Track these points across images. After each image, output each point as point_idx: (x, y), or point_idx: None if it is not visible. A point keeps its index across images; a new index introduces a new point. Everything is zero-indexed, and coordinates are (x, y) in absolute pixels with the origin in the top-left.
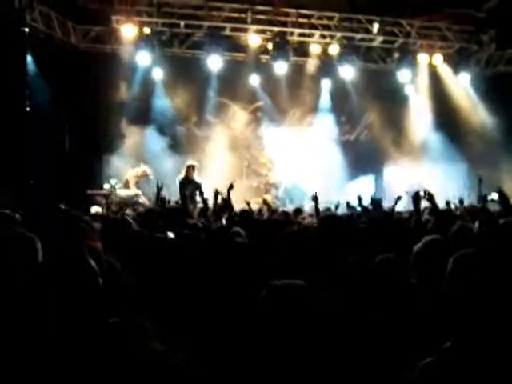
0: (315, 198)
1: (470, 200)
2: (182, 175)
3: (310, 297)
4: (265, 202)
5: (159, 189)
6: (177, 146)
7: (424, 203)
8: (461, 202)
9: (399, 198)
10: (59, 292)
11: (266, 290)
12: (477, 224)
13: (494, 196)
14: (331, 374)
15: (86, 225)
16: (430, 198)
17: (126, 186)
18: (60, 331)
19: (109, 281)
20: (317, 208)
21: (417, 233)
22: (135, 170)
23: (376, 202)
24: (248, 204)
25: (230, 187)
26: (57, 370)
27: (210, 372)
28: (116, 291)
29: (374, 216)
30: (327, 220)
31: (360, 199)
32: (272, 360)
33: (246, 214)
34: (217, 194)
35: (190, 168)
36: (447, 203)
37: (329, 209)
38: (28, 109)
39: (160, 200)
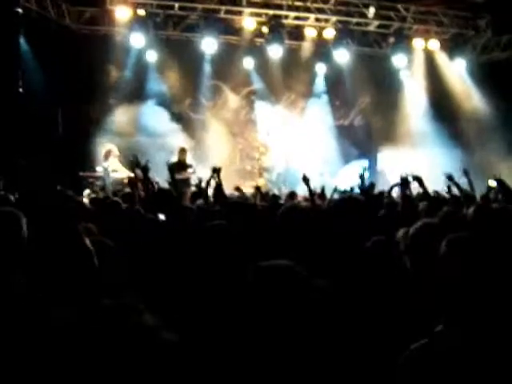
0: (306, 179)
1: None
2: (173, 159)
3: (298, 276)
4: (258, 188)
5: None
6: (170, 129)
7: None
8: (449, 178)
9: (394, 185)
10: (53, 270)
11: (253, 272)
12: (472, 209)
13: (492, 183)
14: (322, 355)
15: (79, 206)
16: (419, 182)
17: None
18: (50, 309)
19: (102, 261)
20: (309, 189)
21: (404, 217)
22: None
23: (367, 188)
24: (238, 189)
25: (218, 172)
26: (47, 353)
27: (201, 352)
28: (109, 271)
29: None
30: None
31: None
32: (262, 341)
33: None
34: (214, 171)
35: (182, 151)
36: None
37: (323, 193)
38: (21, 90)
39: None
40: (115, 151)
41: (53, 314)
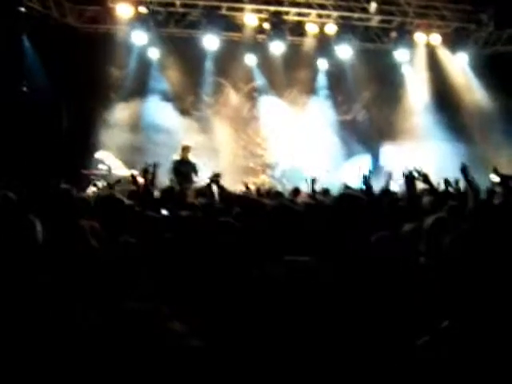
0: (313, 181)
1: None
2: (176, 156)
3: (319, 272)
4: (258, 190)
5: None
6: (172, 126)
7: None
8: (456, 182)
9: (390, 174)
10: (62, 270)
11: (279, 265)
12: (474, 204)
13: (494, 178)
14: (334, 347)
15: (82, 203)
16: (424, 178)
17: None
18: (63, 312)
19: (109, 258)
20: (313, 190)
21: (410, 212)
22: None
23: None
24: (246, 186)
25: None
26: (65, 356)
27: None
28: (116, 268)
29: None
30: (345, 198)
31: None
32: (279, 333)
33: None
34: (216, 177)
35: (185, 149)
36: (446, 182)
37: (327, 190)
38: (25, 88)
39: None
40: (106, 157)
41: (77, 316)
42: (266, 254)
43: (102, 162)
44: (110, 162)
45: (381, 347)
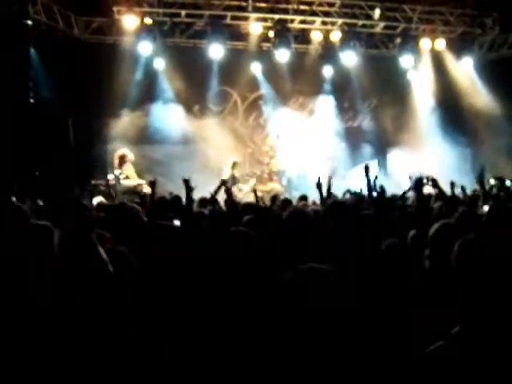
0: (319, 186)
1: (474, 186)
2: (226, 175)
3: (335, 281)
4: (274, 196)
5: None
6: (179, 136)
7: (429, 189)
8: (463, 189)
9: (408, 190)
10: (71, 281)
11: (293, 273)
12: (485, 209)
13: (492, 181)
14: (346, 354)
15: (94, 214)
16: (434, 183)
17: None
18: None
19: (117, 268)
20: (322, 194)
21: (420, 218)
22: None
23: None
24: (255, 192)
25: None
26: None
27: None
28: (124, 278)
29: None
30: (334, 206)
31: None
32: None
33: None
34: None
35: (235, 165)
36: (452, 185)
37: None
38: (32, 101)
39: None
40: (130, 156)
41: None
42: (280, 263)
43: (124, 158)
44: (123, 170)
45: (390, 353)
